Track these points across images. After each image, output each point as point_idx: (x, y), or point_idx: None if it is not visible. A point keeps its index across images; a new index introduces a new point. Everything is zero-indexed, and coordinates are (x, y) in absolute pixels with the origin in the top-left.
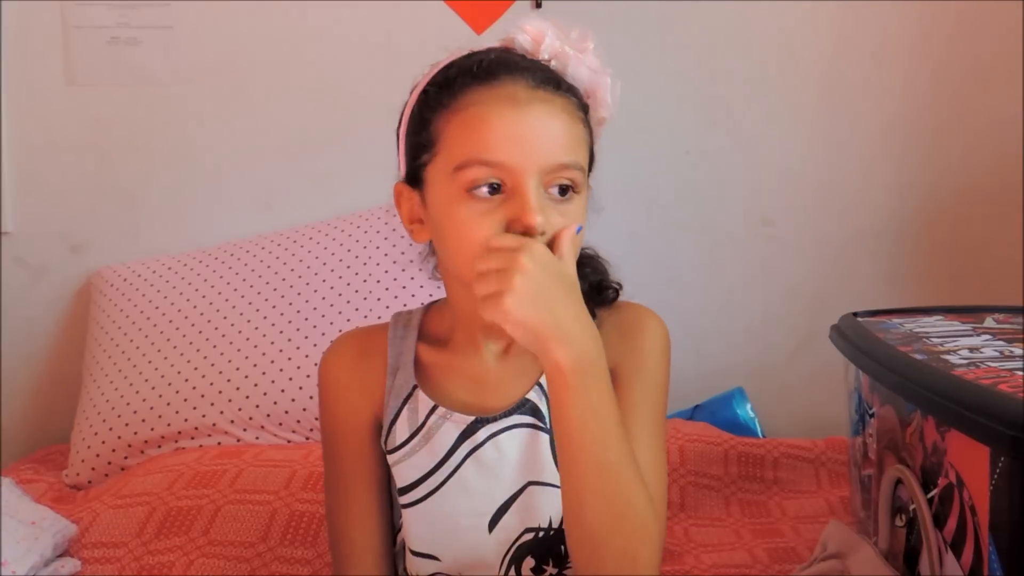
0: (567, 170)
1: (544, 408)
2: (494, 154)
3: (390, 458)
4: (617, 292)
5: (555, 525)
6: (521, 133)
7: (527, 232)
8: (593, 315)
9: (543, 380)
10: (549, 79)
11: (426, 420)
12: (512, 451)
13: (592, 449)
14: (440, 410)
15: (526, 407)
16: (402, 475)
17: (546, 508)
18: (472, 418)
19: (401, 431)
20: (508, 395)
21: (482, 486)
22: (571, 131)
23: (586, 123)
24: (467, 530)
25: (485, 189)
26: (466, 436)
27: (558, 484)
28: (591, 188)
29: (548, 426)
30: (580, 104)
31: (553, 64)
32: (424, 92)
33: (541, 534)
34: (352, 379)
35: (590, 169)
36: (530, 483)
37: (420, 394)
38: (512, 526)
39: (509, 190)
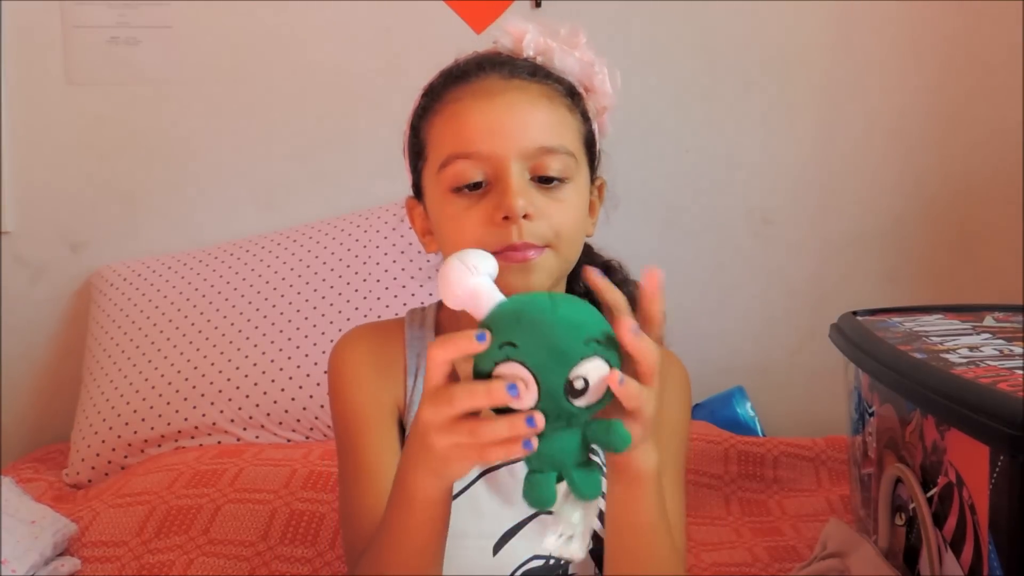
0: (551, 154)
1: None
2: (472, 145)
3: None
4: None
5: None
6: (496, 121)
7: (508, 216)
8: None
9: None
10: (524, 69)
11: None
12: None
13: (652, 539)
14: None
15: None
16: None
17: None
18: None
19: None
20: None
21: (493, 508)
22: (552, 115)
23: (576, 110)
24: (471, 550)
25: (468, 186)
26: None
27: None
28: (606, 183)
29: None
30: (567, 91)
31: (539, 59)
32: (417, 104)
33: (552, 562)
34: (371, 369)
35: (597, 164)
36: (543, 512)
37: None
38: (519, 551)
39: (492, 181)
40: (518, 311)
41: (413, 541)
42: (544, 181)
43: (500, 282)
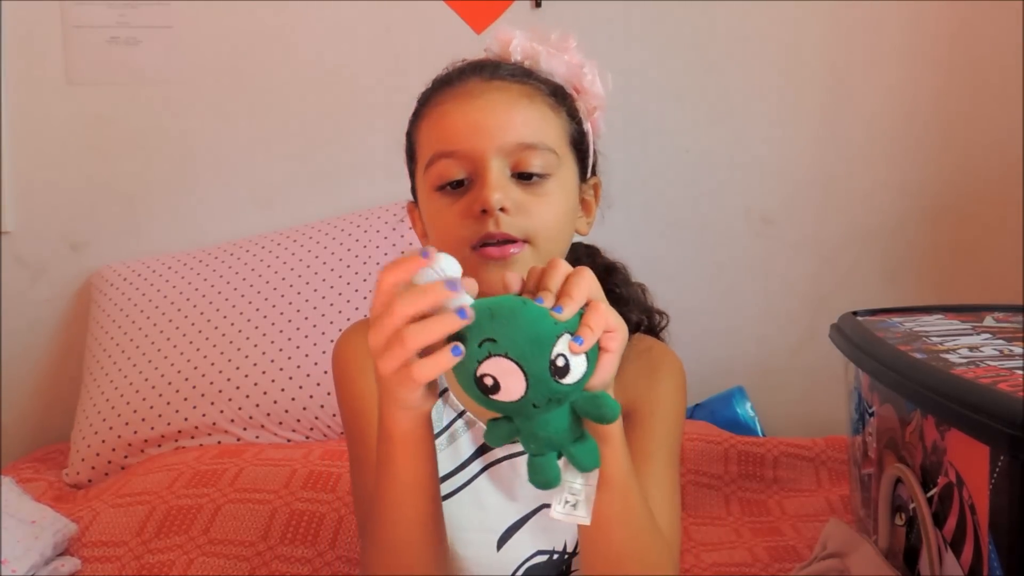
0: (531, 150)
1: None
2: (453, 144)
3: None
4: (663, 322)
5: (570, 549)
6: (476, 120)
7: (486, 210)
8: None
9: None
10: (506, 71)
11: (452, 423)
12: None
13: (624, 498)
14: (467, 415)
15: None
16: None
17: (561, 532)
18: None
19: None
20: None
21: (495, 502)
22: (533, 113)
23: (560, 109)
24: (475, 545)
25: (451, 184)
26: (483, 450)
27: None
28: (600, 182)
29: None
30: (551, 91)
31: (526, 63)
32: (412, 112)
33: (555, 557)
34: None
35: (593, 165)
36: (545, 505)
37: (451, 396)
38: (522, 546)
39: (473, 178)
40: (491, 308)
41: (401, 479)
42: (524, 177)
43: (479, 279)
